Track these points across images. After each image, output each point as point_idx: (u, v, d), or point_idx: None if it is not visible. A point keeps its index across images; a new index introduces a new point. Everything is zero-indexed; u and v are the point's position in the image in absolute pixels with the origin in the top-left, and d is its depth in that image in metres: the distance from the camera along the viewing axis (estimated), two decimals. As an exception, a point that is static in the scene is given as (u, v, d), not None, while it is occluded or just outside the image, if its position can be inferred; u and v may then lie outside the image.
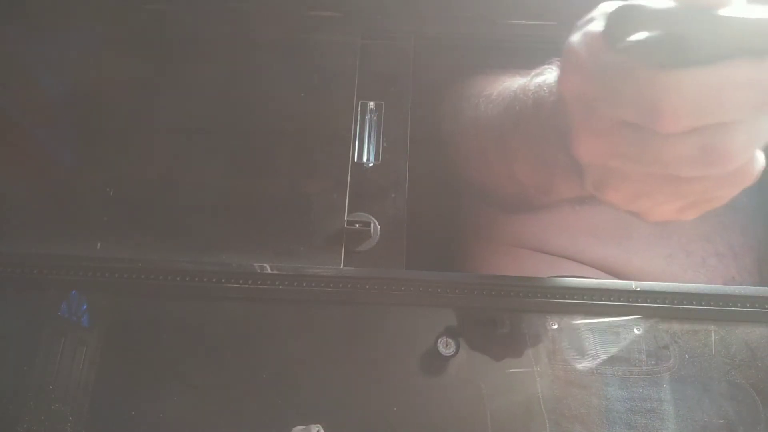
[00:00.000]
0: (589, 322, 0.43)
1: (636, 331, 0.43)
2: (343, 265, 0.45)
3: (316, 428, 0.38)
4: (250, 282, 0.43)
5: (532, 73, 0.42)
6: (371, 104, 0.52)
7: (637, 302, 0.43)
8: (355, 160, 0.49)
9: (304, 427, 0.38)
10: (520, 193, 0.49)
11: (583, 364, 0.42)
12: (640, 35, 0.28)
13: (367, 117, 0.51)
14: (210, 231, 0.47)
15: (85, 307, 0.43)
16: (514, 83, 0.45)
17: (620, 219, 0.56)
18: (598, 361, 0.42)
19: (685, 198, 0.32)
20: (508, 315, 0.43)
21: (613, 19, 0.29)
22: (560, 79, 0.33)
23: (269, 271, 0.43)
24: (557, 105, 0.36)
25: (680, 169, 0.29)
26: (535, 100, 0.40)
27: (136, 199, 0.48)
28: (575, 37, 0.32)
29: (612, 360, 0.42)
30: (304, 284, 0.43)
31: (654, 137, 0.29)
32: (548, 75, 0.40)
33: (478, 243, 0.62)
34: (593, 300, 0.43)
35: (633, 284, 0.43)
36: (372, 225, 0.46)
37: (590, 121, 0.31)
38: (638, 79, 0.28)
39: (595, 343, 0.42)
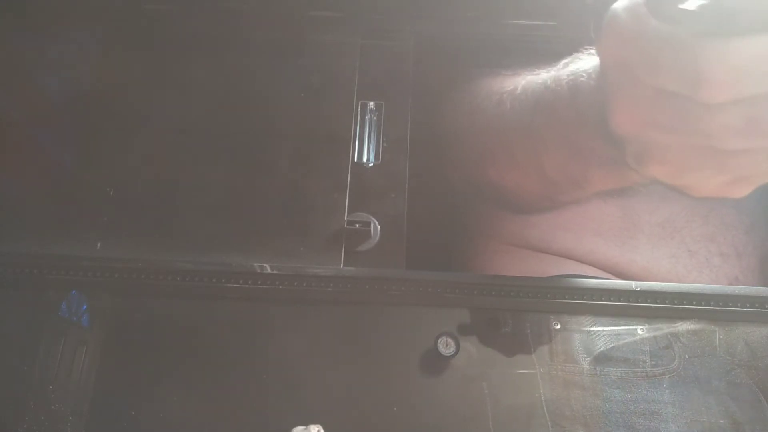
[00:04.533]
0: (592, 323, 0.43)
1: (639, 332, 0.42)
2: (343, 265, 0.45)
3: (316, 428, 0.38)
4: (250, 282, 0.43)
5: (562, 63, 0.42)
6: (371, 104, 0.52)
7: (639, 302, 0.43)
8: (355, 160, 0.49)
9: (304, 427, 0.38)
10: (543, 190, 0.49)
11: (586, 365, 0.41)
12: (686, 3, 0.28)
13: (367, 117, 0.51)
14: (210, 231, 0.47)
15: (85, 307, 0.43)
16: (541, 76, 0.44)
17: (624, 219, 0.56)
18: (601, 361, 0.42)
19: (733, 172, 0.31)
20: (509, 315, 0.43)
21: None
22: (601, 45, 0.32)
23: (269, 271, 0.43)
24: (597, 83, 0.36)
25: (724, 141, 0.29)
26: (570, 87, 0.39)
27: (136, 199, 0.48)
28: (619, 3, 0.31)
29: (614, 361, 0.42)
30: (304, 284, 0.43)
31: (696, 107, 0.28)
32: (582, 62, 0.40)
33: (480, 243, 0.62)
34: (595, 300, 0.43)
35: (633, 284, 0.43)
36: (372, 225, 0.46)
37: (630, 90, 0.31)
38: (682, 46, 0.27)
39: (597, 343, 0.42)
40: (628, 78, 0.31)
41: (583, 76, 0.38)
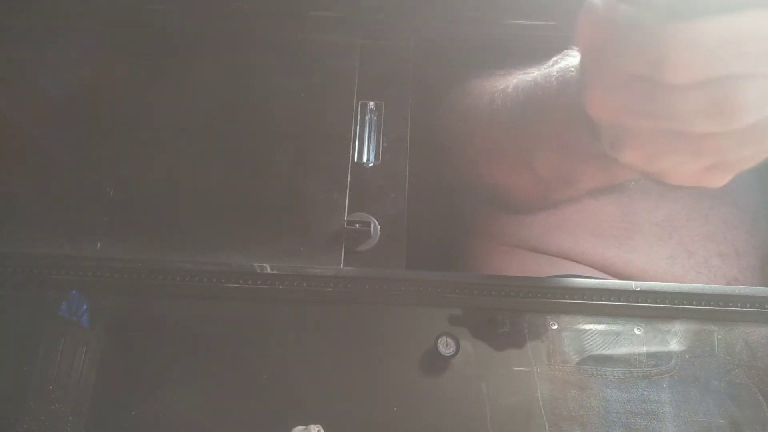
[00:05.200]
0: (590, 323, 0.43)
1: (636, 332, 0.43)
2: (343, 265, 0.45)
3: (316, 428, 0.38)
4: (250, 282, 0.43)
5: (552, 61, 0.42)
6: (371, 104, 0.52)
7: (637, 302, 0.43)
8: (355, 160, 0.49)
9: (304, 427, 0.38)
10: (536, 189, 0.49)
11: (583, 365, 0.41)
12: None
13: (367, 117, 0.51)
14: (210, 231, 0.47)
15: (85, 307, 0.43)
16: (531, 74, 0.45)
17: (623, 219, 0.56)
18: (598, 361, 0.42)
19: (706, 157, 0.31)
20: (508, 315, 0.43)
21: None
22: (576, 31, 0.33)
23: (269, 271, 0.43)
24: (580, 75, 0.36)
25: (692, 124, 0.29)
26: (559, 83, 0.40)
27: (136, 199, 0.48)
28: None
29: (612, 361, 0.42)
30: (304, 284, 0.43)
31: (663, 90, 0.29)
32: (571, 58, 0.40)
33: (479, 243, 0.62)
34: (593, 300, 0.43)
35: (633, 284, 0.43)
36: (372, 225, 0.46)
37: (602, 76, 0.31)
38: (648, 29, 0.28)
39: (595, 343, 0.42)
40: (600, 64, 0.31)
41: (571, 71, 0.39)
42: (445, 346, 0.41)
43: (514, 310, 0.43)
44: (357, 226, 0.46)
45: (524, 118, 0.44)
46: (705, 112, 0.28)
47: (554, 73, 0.41)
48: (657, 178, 0.34)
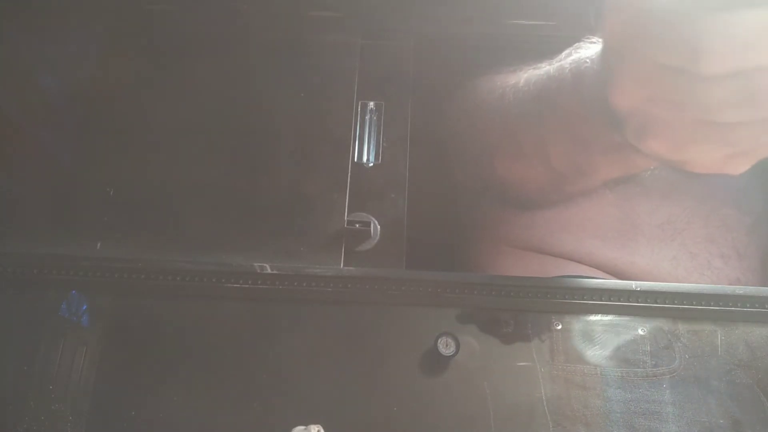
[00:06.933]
0: (592, 323, 0.43)
1: (640, 332, 0.42)
2: (343, 265, 0.45)
3: (316, 428, 0.38)
4: (250, 282, 0.43)
5: (564, 53, 0.42)
6: (371, 104, 0.52)
7: (639, 302, 0.43)
8: (355, 160, 0.49)
9: (304, 427, 0.38)
10: (551, 181, 0.48)
11: (587, 365, 0.41)
12: None
13: (367, 117, 0.51)
14: (210, 231, 0.47)
15: (85, 307, 0.43)
16: (542, 68, 0.45)
17: (623, 221, 0.56)
18: (601, 361, 0.42)
19: (732, 146, 0.31)
20: (510, 315, 0.43)
21: None
22: (603, 21, 0.33)
23: (269, 271, 0.43)
24: (599, 66, 0.36)
25: (723, 114, 0.29)
26: (574, 74, 0.40)
27: (136, 199, 0.48)
28: None
29: (615, 361, 0.42)
30: (304, 284, 0.43)
31: (695, 80, 0.28)
32: (584, 50, 0.40)
33: (480, 244, 0.62)
34: (596, 300, 0.43)
35: (634, 284, 0.43)
36: (372, 225, 0.46)
37: (630, 66, 0.31)
38: (683, 20, 0.28)
39: (598, 343, 0.42)
40: (629, 54, 0.31)
41: (586, 63, 0.39)
42: (445, 346, 0.41)
43: (517, 310, 0.43)
44: (357, 226, 0.46)
45: (539, 111, 0.44)
46: (735, 102, 0.28)
47: (567, 65, 0.41)
48: (679, 167, 0.34)
